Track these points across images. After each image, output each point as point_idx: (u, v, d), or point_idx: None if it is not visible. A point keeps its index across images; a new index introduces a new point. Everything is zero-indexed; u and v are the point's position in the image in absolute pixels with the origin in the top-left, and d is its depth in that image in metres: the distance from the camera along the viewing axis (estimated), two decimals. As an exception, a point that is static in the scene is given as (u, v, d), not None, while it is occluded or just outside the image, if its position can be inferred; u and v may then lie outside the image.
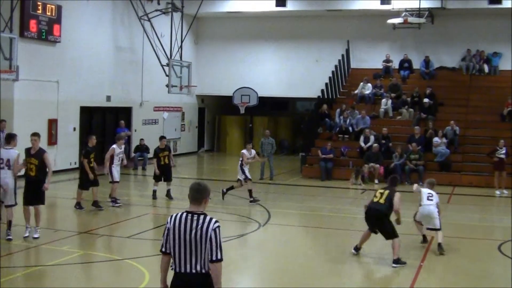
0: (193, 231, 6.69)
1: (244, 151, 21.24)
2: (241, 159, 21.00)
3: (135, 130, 32.46)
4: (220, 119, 41.29)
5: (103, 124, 30.77)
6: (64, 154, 27.12)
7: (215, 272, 6.69)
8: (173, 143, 36.19)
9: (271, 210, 19.27)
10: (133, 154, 30.61)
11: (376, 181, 26.18)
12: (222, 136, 40.91)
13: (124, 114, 31.94)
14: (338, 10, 34.26)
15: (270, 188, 25.07)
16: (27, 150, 14.72)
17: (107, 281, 11.77)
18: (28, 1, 24.56)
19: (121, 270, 12.75)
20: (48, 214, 19.07)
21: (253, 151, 21.55)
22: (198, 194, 6.84)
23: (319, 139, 30.13)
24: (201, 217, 6.74)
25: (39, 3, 25.17)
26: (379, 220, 13.62)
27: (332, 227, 17.44)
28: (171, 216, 6.85)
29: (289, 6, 34.47)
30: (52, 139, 26.51)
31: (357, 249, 13.97)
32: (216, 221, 6.75)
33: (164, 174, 20.76)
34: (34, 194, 14.64)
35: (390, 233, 13.45)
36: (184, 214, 6.78)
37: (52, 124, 26.49)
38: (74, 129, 28.04)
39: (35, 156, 14.57)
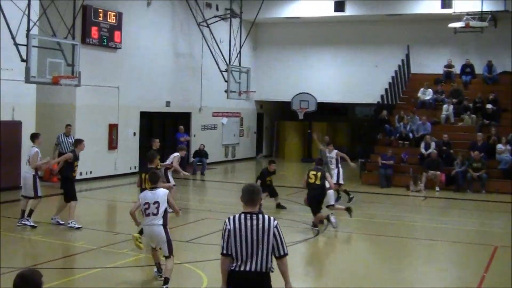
0: (254, 231, 6.87)
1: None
2: None
3: (194, 135, 32.63)
4: (279, 125, 41.26)
5: (163, 129, 30.99)
6: (124, 158, 27.41)
7: (284, 267, 7.00)
8: (231, 148, 36.32)
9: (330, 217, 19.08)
10: (192, 159, 30.74)
11: (437, 188, 25.74)
12: (281, 142, 40.84)
13: (183, 119, 32.14)
14: (398, 14, 33.90)
15: (329, 194, 24.87)
16: (75, 152, 16.49)
17: (166, 285, 11.77)
18: (89, 8, 24.96)
19: (179, 273, 12.73)
20: (108, 217, 19.30)
21: (335, 151, 21.79)
22: (253, 195, 7.05)
23: (378, 145, 29.84)
24: (260, 216, 6.96)
25: (100, 10, 25.55)
26: (319, 199, 16.86)
27: (391, 235, 17.19)
28: (229, 218, 6.99)
29: (348, 11, 34.30)
30: (113, 144, 26.82)
31: (315, 225, 17.07)
32: (274, 219, 7.00)
33: (270, 193, 20.41)
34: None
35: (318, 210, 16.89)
36: (243, 215, 6.95)
37: (113, 129, 26.81)
38: (134, 134, 28.31)
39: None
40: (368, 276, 13.07)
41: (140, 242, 12.39)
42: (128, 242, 14.80)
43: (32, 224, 16.13)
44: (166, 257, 11.16)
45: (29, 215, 16.15)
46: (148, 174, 12.29)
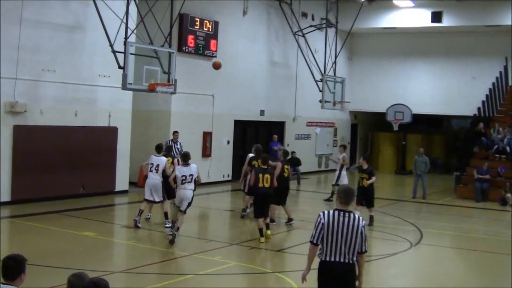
0: (346, 227, 7.73)
1: None
2: None
3: (288, 145, 32.64)
4: (373, 136, 40.92)
5: (256, 138, 31.07)
6: (217, 166, 27.70)
7: (362, 261, 7.95)
8: (325, 158, 36.21)
9: (423, 230, 18.82)
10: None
11: (534, 204, 25.00)
12: (375, 153, 40.43)
13: (277, 128, 32.21)
14: (497, 25, 33.08)
15: (423, 207, 24.54)
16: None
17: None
18: (186, 17, 25.38)
19: (270, 282, 12.80)
20: (201, 224, 19.52)
21: (343, 155, 24.16)
22: (349, 196, 7.95)
23: (474, 158, 29.16)
24: (351, 214, 7.83)
25: (197, 19, 25.94)
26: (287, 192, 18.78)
27: (486, 250, 16.79)
28: (323, 213, 7.88)
29: (445, 22, 33.79)
30: (207, 151, 27.14)
31: (290, 220, 18.66)
32: (363, 219, 7.95)
33: (364, 199, 19.19)
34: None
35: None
36: (336, 212, 7.83)
37: (207, 136, 27.13)
38: (228, 142, 28.57)
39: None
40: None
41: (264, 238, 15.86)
42: (220, 250, 14.96)
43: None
44: (182, 212, 15.28)
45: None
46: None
